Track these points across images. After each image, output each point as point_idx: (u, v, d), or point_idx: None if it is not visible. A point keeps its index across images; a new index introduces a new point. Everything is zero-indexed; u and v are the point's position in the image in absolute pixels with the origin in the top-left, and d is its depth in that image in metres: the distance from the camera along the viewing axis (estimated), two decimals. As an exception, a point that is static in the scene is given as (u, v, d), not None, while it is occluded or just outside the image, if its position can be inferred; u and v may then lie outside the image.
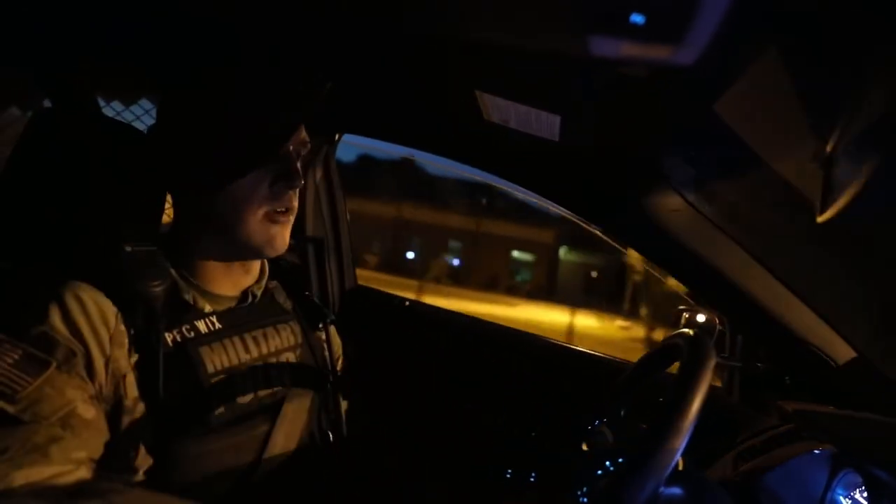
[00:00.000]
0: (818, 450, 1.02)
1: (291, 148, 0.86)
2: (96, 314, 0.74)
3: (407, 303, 1.71)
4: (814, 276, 1.11)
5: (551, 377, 1.51)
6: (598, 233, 1.26)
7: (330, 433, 1.00)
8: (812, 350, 1.13)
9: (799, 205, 0.97)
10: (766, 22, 0.59)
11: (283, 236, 0.88)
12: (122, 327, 0.75)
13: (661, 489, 0.63)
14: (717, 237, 1.10)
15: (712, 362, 0.73)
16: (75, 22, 1.00)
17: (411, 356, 1.66)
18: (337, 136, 1.59)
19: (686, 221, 1.12)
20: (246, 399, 0.85)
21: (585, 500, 0.73)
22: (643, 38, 0.55)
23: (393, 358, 1.65)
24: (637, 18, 0.51)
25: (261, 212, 0.84)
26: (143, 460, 0.74)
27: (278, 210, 0.86)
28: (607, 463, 0.77)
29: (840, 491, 0.98)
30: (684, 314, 1.40)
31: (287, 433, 0.90)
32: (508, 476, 1.06)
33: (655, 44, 0.57)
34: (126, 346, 0.75)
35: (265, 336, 0.93)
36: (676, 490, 0.70)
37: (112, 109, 1.65)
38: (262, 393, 0.88)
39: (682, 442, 0.63)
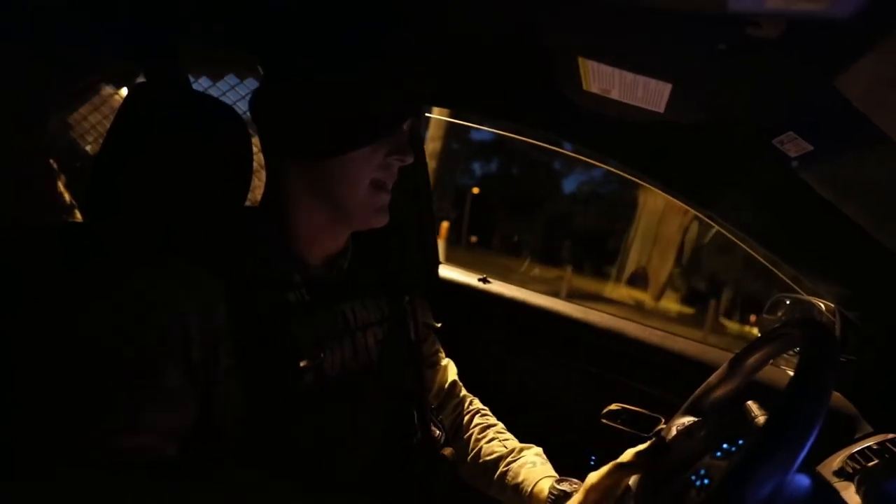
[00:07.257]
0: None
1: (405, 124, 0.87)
2: (192, 284, 0.75)
3: (487, 280, 1.69)
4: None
5: (641, 361, 1.46)
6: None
7: (415, 410, 1.00)
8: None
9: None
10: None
11: (386, 206, 0.88)
12: (217, 297, 0.76)
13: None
14: (837, 220, 1.01)
15: (838, 351, 0.67)
16: None
17: (494, 334, 1.64)
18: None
19: (803, 204, 1.03)
20: (334, 371, 0.86)
21: (703, 482, 0.69)
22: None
23: (475, 335, 1.64)
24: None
25: (371, 182, 0.85)
26: (233, 430, 0.75)
27: (386, 181, 0.86)
28: (725, 444, 0.72)
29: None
30: (786, 301, 1.31)
31: (373, 406, 0.90)
32: (593, 462, 1.03)
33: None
34: (220, 315, 0.75)
35: (353, 309, 0.93)
36: (804, 479, 0.65)
37: (200, 86, 1.70)
38: (350, 366, 0.88)
39: (813, 430, 0.58)
